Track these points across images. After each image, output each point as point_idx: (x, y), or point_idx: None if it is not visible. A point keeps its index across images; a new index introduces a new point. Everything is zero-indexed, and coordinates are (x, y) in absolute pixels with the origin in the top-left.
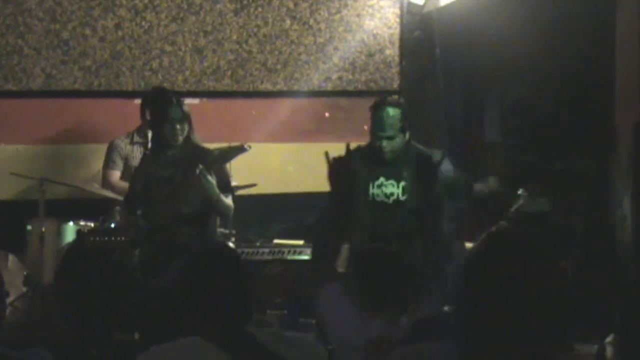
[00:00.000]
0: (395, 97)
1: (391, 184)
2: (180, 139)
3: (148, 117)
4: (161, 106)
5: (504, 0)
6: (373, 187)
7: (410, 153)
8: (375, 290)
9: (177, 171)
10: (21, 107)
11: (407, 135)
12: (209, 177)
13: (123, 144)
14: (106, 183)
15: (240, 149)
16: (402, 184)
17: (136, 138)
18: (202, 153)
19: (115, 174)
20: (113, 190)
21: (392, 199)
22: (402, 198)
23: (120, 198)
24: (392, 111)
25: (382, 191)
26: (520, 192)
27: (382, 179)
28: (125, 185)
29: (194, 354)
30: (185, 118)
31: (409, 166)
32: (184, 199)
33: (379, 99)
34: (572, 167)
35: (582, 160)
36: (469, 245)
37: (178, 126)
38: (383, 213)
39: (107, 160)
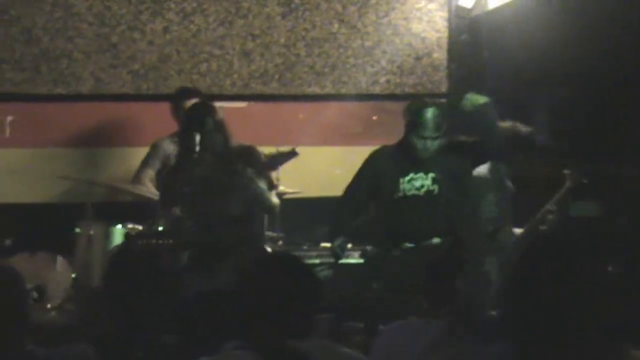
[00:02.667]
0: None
1: (420, 176)
2: (218, 147)
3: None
4: (196, 116)
5: (553, 3)
6: (404, 183)
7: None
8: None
9: (223, 172)
10: (70, 111)
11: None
12: (260, 183)
13: (165, 145)
14: (136, 178)
15: (291, 154)
16: (430, 175)
17: (176, 139)
18: (249, 153)
19: (149, 173)
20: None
21: (423, 190)
22: (432, 188)
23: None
24: (436, 111)
25: (413, 185)
26: (566, 172)
27: (411, 174)
28: (150, 187)
29: None
30: (220, 127)
31: (438, 159)
32: (230, 199)
33: (418, 101)
34: (619, 170)
35: (630, 163)
36: (516, 230)
37: (215, 135)
38: (416, 207)
39: (146, 157)
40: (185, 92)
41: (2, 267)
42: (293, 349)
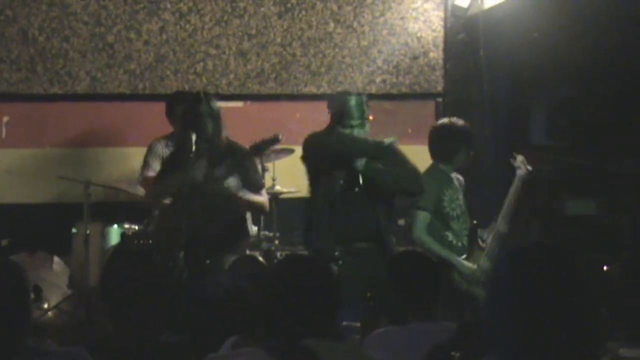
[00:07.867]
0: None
1: None
2: (210, 133)
3: (177, 117)
4: (191, 103)
5: (549, 2)
6: None
7: None
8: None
9: (209, 166)
10: (67, 111)
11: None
12: (231, 182)
13: (160, 146)
14: (142, 179)
15: (274, 140)
16: None
17: (171, 142)
18: (234, 148)
19: (151, 174)
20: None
21: None
22: None
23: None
24: (360, 99)
25: None
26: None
27: None
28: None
29: None
30: (215, 114)
31: None
32: (214, 194)
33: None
34: (619, 167)
35: (630, 160)
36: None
37: (208, 121)
38: None
39: (146, 158)
40: (181, 96)
41: (7, 262)
42: (305, 348)
